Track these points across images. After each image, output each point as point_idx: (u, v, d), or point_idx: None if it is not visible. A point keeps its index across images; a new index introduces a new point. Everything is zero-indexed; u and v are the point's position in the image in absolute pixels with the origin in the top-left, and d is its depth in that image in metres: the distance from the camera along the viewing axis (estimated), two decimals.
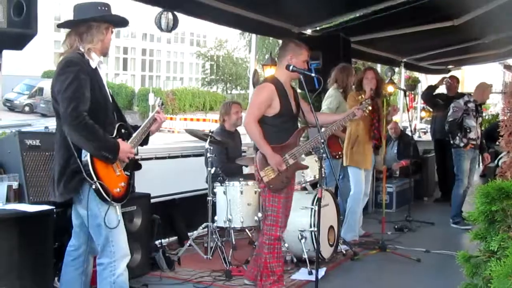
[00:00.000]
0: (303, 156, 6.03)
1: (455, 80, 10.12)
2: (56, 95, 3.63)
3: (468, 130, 7.93)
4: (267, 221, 4.89)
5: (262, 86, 4.94)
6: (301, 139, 5.15)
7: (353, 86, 7.08)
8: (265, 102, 4.79)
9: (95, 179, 3.58)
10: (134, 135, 3.96)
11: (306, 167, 5.27)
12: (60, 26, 3.93)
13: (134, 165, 3.97)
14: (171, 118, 37.02)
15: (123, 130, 3.90)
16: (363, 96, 6.50)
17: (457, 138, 7.95)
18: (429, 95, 10.32)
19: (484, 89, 8.21)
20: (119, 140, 3.77)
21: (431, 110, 14.59)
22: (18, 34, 4.26)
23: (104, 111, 3.77)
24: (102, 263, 3.76)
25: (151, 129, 4.09)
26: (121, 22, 3.96)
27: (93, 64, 3.75)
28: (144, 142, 4.07)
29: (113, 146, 3.70)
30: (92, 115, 3.60)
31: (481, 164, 9.38)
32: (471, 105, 7.97)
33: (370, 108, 5.52)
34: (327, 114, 5.36)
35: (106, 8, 3.80)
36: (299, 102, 5.07)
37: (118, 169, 3.79)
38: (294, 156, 4.88)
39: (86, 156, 3.59)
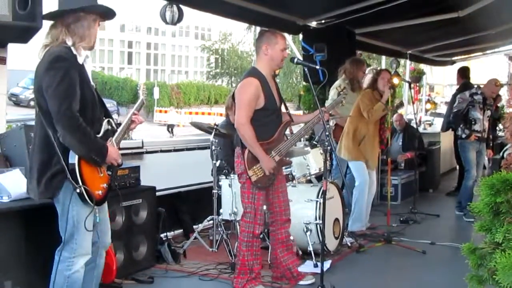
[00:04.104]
0: (308, 149, 6.06)
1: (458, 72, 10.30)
2: (44, 91, 3.48)
3: (473, 122, 7.92)
4: (246, 217, 4.84)
5: (247, 82, 4.75)
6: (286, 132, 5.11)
7: (361, 81, 7.13)
8: (254, 99, 4.66)
9: (80, 183, 3.51)
10: (116, 134, 3.84)
11: (290, 163, 5.18)
12: (45, 17, 3.74)
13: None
14: (176, 112, 37.10)
15: (109, 127, 3.80)
16: (376, 96, 6.63)
17: (460, 129, 8.00)
18: None
19: (491, 84, 8.14)
20: (108, 144, 3.69)
21: (436, 102, 14.53)
22: (23, 28, 4.27)
23: (91, 108, 3.64)
24: (62, 255, 3.69)
25: (130, 129, 4.02)
26: (109, 13, 3.80)
27: (80, 60, 3.62)
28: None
29: (102, 150, 3.63)
30: (80, 112, 3.49)
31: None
32: (477, 97, 7.95)
33: (344, 99, 5.49)
34: (294, 116, 5.30)
35: None
36: (280, 94, 4.99)
37: (102, 169, 3.72)
38: (280, 152, 4.81)
39: (74, 160, 3.51)
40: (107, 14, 3.80)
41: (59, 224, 3.70)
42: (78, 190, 3.51)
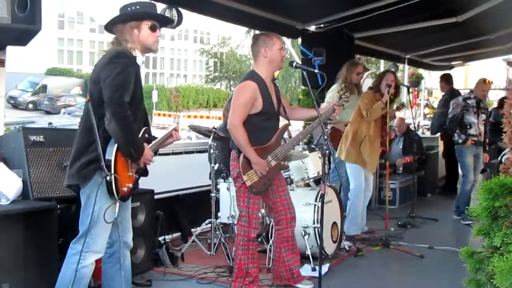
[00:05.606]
0: (306, 152, 6.06)
1: (442, 79, 10.75)
2: (102, 81, 3.63)
3: (468, 126, 7.95)
4: (241, 221, 4.83)
5: (245, 85, 4.75)
6: (285, 136, 5.12)
7: (358, 83, 7.15)
8: (250, 102, 4.65)
9: (112, 171, 3.61)
10: (153, 143, 3.99)
11: (287, 167, 5.23)
12: (105, 28, 4.00)
13: (143, 171, 3.98)
14: (175, 115, 37.05)
15: (146, 135, 3.94)
16: (378, 97, 6.63)
17: (456, 134, 8.04)
18: None
19: (480, 84, 8.17)
20: (145, 144, 3.84)
21: (434, 107, 14.64)
22: (22, 30, 4.26)
23: (135, 109, 3.78)
24: (75, 248, 3.77)
25: (165, 143, 4.15)
26: (163, 21, 4.09)
27: (139, 61, 3.84)
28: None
29: (141, 146, 3.76)
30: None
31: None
32: (471, 101, 7.99)
33: (346, 102, 5.48)
34: (305, 109, 5.32)
35: (138, 7, 3.86)
36: (280, 98, 4.98)
37: (132, 170, 3.82)
38: (277, 157, 4.80)
39: (110, 156, 3.61)
40: (159, 20, 4.02)
41: (80, 216, 3.79)
42: (108, 178, 3.59)
